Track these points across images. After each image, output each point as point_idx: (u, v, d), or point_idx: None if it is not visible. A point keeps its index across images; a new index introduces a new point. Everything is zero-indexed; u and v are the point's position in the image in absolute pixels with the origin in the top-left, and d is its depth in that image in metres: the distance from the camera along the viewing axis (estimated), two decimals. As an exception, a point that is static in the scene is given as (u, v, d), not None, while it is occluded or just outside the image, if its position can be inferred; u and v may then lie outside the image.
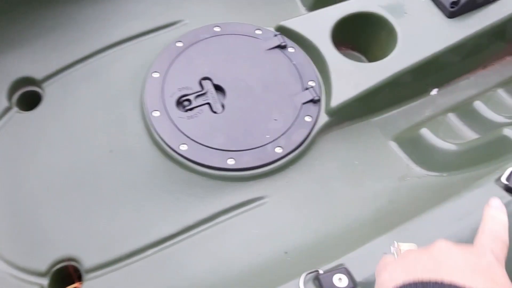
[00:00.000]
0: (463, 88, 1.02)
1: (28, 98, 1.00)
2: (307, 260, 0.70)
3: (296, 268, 0.65)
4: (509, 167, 0.67)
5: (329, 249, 0.72)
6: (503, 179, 0.66)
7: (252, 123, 0.87)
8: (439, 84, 1.01)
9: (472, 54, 0.99)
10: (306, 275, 0.60)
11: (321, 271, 0.60)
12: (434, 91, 1.01)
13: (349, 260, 0.62)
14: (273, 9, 1.10)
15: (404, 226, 0.66)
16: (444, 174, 0.85)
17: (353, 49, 1.05)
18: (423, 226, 0.66)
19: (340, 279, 0.58)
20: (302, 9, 1.12)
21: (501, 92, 1.00)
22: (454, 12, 0.94)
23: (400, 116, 0.97)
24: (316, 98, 0.89)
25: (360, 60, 1.01)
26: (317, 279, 0.59)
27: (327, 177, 0.86)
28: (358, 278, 0.60)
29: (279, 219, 0.80)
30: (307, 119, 0.88)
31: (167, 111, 0.88)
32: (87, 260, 0.80)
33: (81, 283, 0.81)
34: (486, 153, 0.83)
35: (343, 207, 0.81)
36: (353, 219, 0.79)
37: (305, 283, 0.59)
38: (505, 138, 0.81)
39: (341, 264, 0.61)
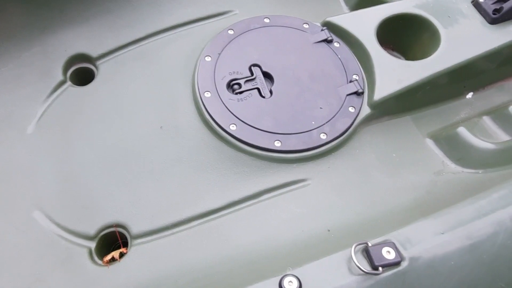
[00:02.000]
0: (497, 94, 1.06)
1: (82, 74, 1.05)
2: (350, 238, 0.73)
3: (340, 244, 0.68)
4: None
5: (371, 229, 0.75)
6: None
7: (298, 109, 0.91)
8: (475, 88, 1.04)
9: (509, 61, 1.03)
10: (356, 246, 0.63)
11: (370, 244, 0.63)
12: (469, 95, 1.04)
13: (394, 237, 0.66)
14: (317, 5, 1.15)
15: (446, 210, 0.70)
16: (480, 171, 0.89)
17: (393, 48, 1.09)
18: (465, 212, 0.69)
19: (388, 251, 0.62)
20: (345, 8, 1.17)
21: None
22: (496, 18, 0.98)
23: (436, 115, 1.01)
24: (360, 90, 0.93)
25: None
26: (365, 250, 0.63)
27: (367, 166, 0.90)
28: (404, 254, 0.63)
29: (321, 200, 0.84)
30: (351, 109, 0.92)
31: (218, 92, 0.92)
32: (134, 227, 0.84)
33: (126, 249, 0.86)
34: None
35: (382, 194, 0.85)
36: (393, 205, 0.82)
37: (354, 253, 0.62)
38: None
39: (388, 239, 0.64)
